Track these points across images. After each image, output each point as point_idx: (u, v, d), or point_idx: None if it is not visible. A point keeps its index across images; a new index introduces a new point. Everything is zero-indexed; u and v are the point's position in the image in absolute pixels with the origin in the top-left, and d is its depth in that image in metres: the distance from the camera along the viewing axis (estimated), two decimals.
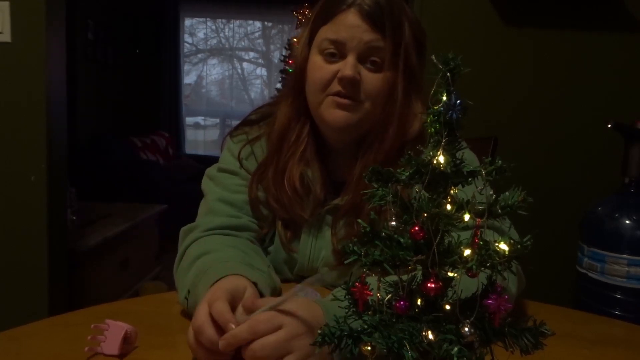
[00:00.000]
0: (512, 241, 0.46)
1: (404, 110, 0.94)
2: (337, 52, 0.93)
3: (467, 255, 0.46)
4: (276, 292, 0.93)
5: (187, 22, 6.18)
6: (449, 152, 0.46)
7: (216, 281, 0.79)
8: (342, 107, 0.93)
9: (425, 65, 0.97)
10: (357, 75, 0.91)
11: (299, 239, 1.00)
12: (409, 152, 0.48)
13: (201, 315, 0.70)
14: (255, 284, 0.80)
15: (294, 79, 1.01)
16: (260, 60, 6.43)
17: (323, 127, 0.98)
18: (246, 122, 1.07)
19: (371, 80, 0.92)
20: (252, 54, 6.43)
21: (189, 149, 6.11)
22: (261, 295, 0.81)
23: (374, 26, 0.91)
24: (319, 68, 0.94)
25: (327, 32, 0.94)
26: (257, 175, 1.00)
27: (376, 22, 0.91)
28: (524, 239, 0.47)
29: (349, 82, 0.91)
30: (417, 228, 0.46)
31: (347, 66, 0.91)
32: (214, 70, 6.39)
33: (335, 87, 0.92)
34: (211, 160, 1.09)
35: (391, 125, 0.94)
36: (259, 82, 6.44)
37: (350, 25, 0.91)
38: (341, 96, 0.92)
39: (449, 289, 0.49)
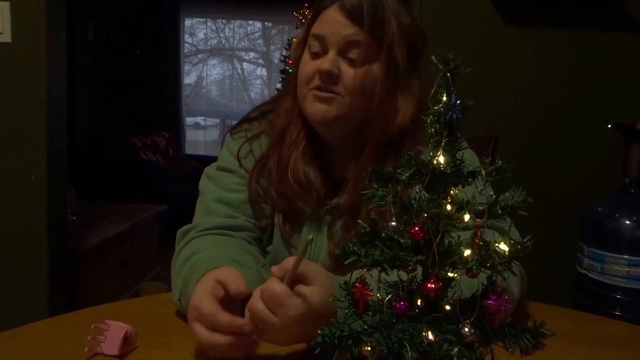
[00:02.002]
0: (512, 241, 0.46)
1: (382, 105, 0.95)
2: (321, 49, 0.95)
3: (467, 256, 0.46)
4: None
5: (187, 22, 6.18)
6: (449, 153, 0.46)
7: (202, 275, 0.79)
8: (321, 101, 0.94)
9: (419, 66, 0.98)
10: (334, 69, 0.93)
11: (299, 233, 1.00)
12: (409, 152, 0.48)
13: (209, 309, 0.70)
14: None
15: (293, 77, 1.03)
16: (260, 61, 6.43)
17: (309, 120, 0.99)
18: (246, 120, 1.08)
19: (350, 74, 0.94)
20: (252, 54, 6.43)
21: (189, 149, 6.11)
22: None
23: (353, 21, 0.93)
24: (304, 63, 0.97)
25: (312, 29, 0.97)
26: (256, 170, 1.01)
27: (355, 17, 0.93)
28: (524, 239, 0.47)
29: (326, 76, 0.93)
30: (417, 228, 0.46)
31: (325, 60, 0.93)
32: (214, 70, 6.39)
33: (316, 81, 0.95)
34: (211, 160, 1.09)
35: (375, 122, 0.95)
36: (259, 82, 6.44)
37: (330, 21, 0.94)
38: (321, 90, 0.94)
39: (449, 289, 0.49)
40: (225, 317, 0.70)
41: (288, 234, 0.99)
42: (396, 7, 0.97)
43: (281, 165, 0.99)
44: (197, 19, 6.23)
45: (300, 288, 0.68)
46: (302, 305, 0.67)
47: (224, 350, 0.71)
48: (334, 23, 0.94)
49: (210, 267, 0.81)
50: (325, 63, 0.93)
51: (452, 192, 0.47)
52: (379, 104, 0.94)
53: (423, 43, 1.00)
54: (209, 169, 1.06)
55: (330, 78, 0.93)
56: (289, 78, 1.09)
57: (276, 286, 0.67)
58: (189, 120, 6.27)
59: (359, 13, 0.93)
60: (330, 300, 0.68)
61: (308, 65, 0.96)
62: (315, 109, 0.95)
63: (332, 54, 0.94)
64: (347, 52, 0.94)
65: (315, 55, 0.96)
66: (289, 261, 0.68)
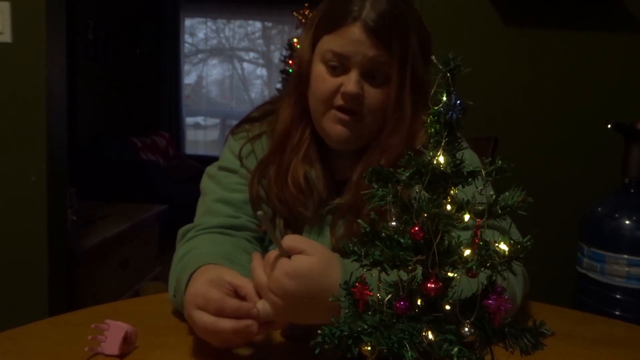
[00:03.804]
0: (512, 241, 0.46)
1: (412, 123, 0.94)
2: (339, 65, 0.92)
3: (467, 256, 0.46)
4: None
5: (187, 22, 6.18)
6: (449, 152, 0.46)
7: (194, 271, 0.80)
8: (344, 123, 0.93)
9: (430, 68, 0.97)
10: (360, 91, 0.91)
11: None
12: (409, 152, 0.48)
13: (215, 294, 0.71)
14: None
15: (297, 81, 1.00)
16: (260, 61, 6.43)
17: (324, 137, 0.98)
18: (248, 120, 1.07)
19: (374, 95, 0.92)
20: (252, 54, 6.43)
21: (189, 149, 6.11)
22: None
23: (379, 41, 0.90)
24: (322, 79, 0.94)
25: (331, 44, 0.93)
26: (258, 172, 1.00)
27: (381, 37, 0.90)
28: (524, 239, 0.47)
29: (351, 98, 0.91)
30: (417, 228, 0.46)
31: (350, 82, 0.91)
32: (214, 70, 6.39)
33: (339, 101, 0.93)
34: (211, 160, 1.09)
35: (397, 137, 0.94)
36: (259, 82, 6.44)
37: (354, 40, 0.90)
38: (343, 111, 0.93)
39: (449, 289, 0.49)
40: (233, 302, 0.71)
41: None
42: (415, 17, 0.95)
43: (281, 172, 0.98)
44: (197, 19, 6.23)
45: (295, 255, 0.70)
46: (288, 264, 0.68)
47: (229, 336, 0.71)
48: (358, 43, 0.90)
49: (201, 263, 0.82)
50: (350, 86, 0.90)
51: (452, 192, 0.47)
52: (409, 123, 0.93)
53: (430, 43, 0.98)
54: (211, 169, 1.06)
55: (355, 100, 0.92)
56: (289, 79, 1.07)
57: (272, 253, 0.70)
58: (189, 120, 6.27)
59: (384, 33, 0.90)
60: (330, 299, 0.68)
61: (328, 82, 0.93)
62: (337, 130, 0.94)
63: (356, 75, 0.91)
64: (372, 72, 0.92)
65: (334, 70, 0.93)
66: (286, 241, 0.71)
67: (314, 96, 0.96)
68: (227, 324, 0.70)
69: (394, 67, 0.91)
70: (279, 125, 1.01)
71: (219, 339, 0.73)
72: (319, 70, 0.95)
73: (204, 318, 0.71)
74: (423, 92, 0.94)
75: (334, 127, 0.94)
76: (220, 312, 0.71)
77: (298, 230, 1.00)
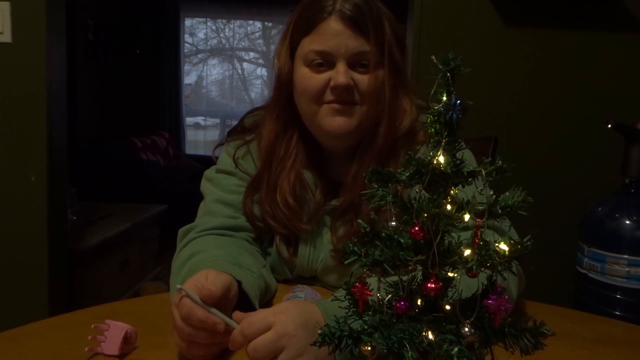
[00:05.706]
0: (512, 241, 0.46)
1: (392, 107, 0.94)
2: (325, 62, 0.93)
3: (467, 256, 0.46)
4: (270, 293, 0.94)
5: (187, 22, 6.18)
6: (449, 152, 0.46)
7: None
8: (341, 113, 0.93)
9: (407, 59, 0.98)
10: (350, 82, 0.91)
11: (296, 245, 1.00)
12: (409, 152, 0.48)
13: (188, 301, 0.71)
14: (239, 282, 0.81)
15: (278, 93, 1.00)
16: (260, 61, 6.42)
17: (322, 135, 0.98)
18: (241, 129, 1.07)
19: (364, 81, 0.93)
20: (252, 54, 6.43)
21: (189, 149, 6.11)
22: (245, 293, 0.81)
23: (358, 30, 0.91)
24: (308, 78, 0.94)
25: (311, 44, 0.93)
26: (251, 190, 1.00)
27: (359, 25, 0.91)
28: (524, 239, 0.47)
29: (344, 90, 0.91)
30: (417, 228, 0.46)
31: (339, 74, 0.91)
32: (214, 70, 6.38)
33: (329, 96, 0.93)
34: (211, 160, 1.10)
35: (382, 123, 0.94)
36: (259, 82, 6.44)
37: (334, 34, 0.91)
38: (338, 102, 0.93)
39: (449, 289, 0.49)
40: (201, 312, 0.70)
41: (290, 254, 0.99)
42: (384, 7, 0.96)
43: (270, 191, 0.98)
44: (197, 19, 6.23)
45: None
46: (271, 333, 0.66)
47: (185, 341, 0.72)
48: (338, 36, 0.91)
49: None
50: (340, 77, 0.90)
51: (452, 192, 0.47)
52: (388, 107, 0.93)
53: (404, 34, 0.99)
54: (209, 172, 1.06)
55: (346, 91, 0.92)
56: (268, 102, 1.06)
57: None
58: (189, 120, 6.26)
59: (361, 21, 0.91)
60: (331, 300, 0.68)
61: (315, 78, 0.93)
62: (336, 122, 0.93)
63: (343, 66, 0.91)
64: (357, 62, 0.92)
65: (319, 67, 0.93)
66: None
67: (302, 97, 0.96)
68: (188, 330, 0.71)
69: (373, 54, 0.92)
70: (264, 142, 1.00)
71: (179, 340, 0.73)
72: (303, 72, 0.95)
73: (176, 317, 0.72)
74: (400, 78, 0.95)
75: (331, 120, 0.93)
76: (187, 319, 0.71)
77: (296, 241, 1.00)
